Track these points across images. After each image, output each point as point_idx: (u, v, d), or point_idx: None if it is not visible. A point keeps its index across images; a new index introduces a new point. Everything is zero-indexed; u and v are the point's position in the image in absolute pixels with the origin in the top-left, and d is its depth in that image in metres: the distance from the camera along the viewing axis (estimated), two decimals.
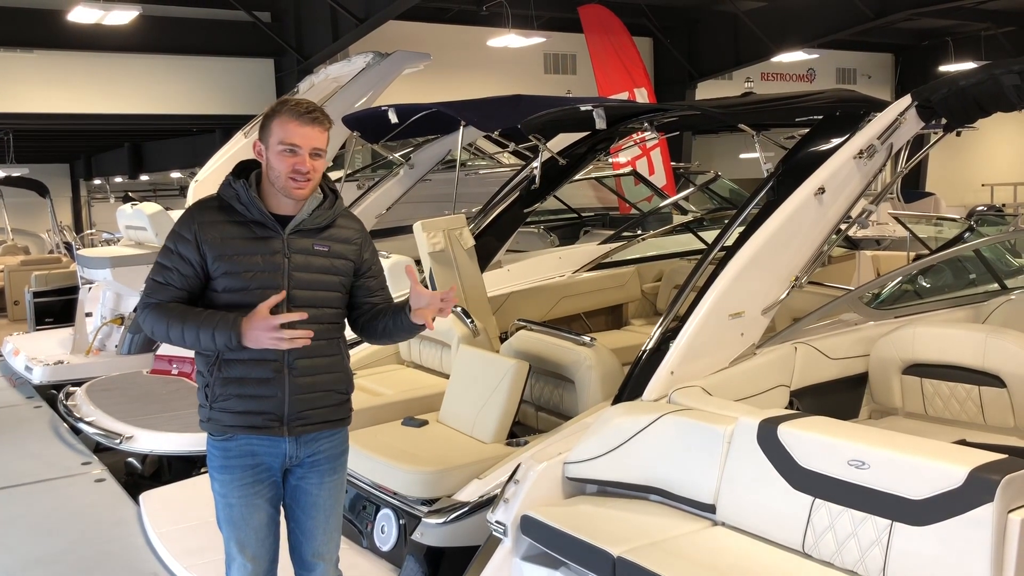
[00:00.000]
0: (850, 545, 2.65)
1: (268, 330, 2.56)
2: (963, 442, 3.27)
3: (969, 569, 2.38)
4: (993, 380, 3.90)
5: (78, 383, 6.68)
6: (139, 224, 8.08)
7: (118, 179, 26.56)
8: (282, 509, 2.84)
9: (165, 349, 6.70)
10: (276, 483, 2.77)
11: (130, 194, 18.96)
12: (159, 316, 2.68)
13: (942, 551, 2.44)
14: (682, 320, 3.91)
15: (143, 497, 4.77)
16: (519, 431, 4.58)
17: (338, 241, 2.81)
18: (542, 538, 3.14)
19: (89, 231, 19.88)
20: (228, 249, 2.68)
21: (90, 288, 8.17)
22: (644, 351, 3.93)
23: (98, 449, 5.91)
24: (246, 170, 2.79)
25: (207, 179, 8.14)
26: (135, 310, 7.28)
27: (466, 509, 3.76)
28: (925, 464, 2.56)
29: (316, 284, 2.75)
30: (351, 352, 5.77)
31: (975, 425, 3.98)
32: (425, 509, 3.86)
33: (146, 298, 2.73)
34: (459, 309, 5.36)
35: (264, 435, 2.70)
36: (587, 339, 4.58)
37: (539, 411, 4.87)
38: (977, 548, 2.38)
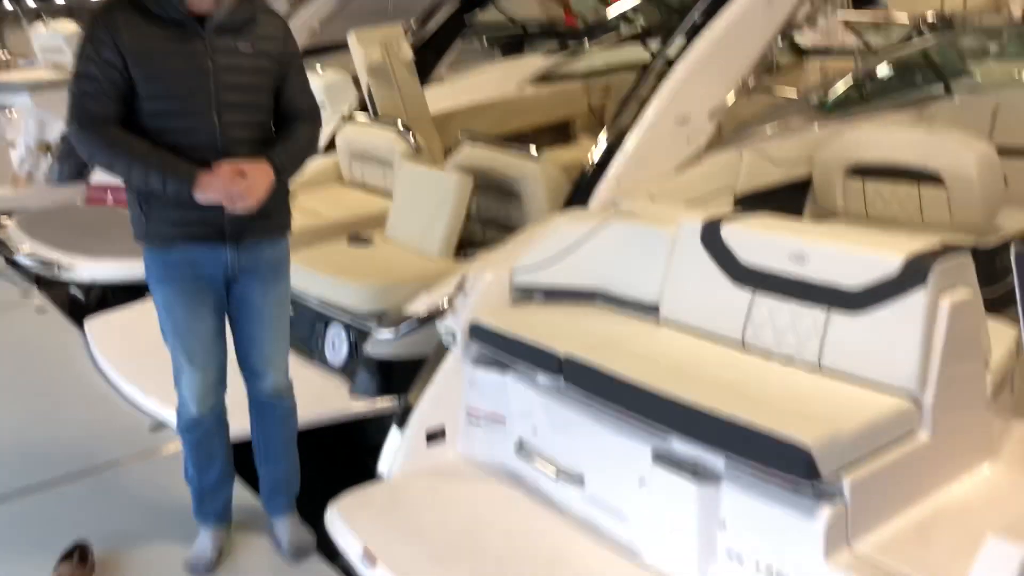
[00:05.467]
0: (788, 336, 2.73)
1: (221, 188, 2.52)
2: None
3: (900, 351, 2.47)
4: (933, 179, 3.96)
5: (8, 215, 6.47)
6: (57, 45, 7.63)
7: (31, 2, 24.86)
8: (227, 320, 2.82)
9: (98, 178, 6.48)
10: (219, 293, 2.73)
11: (44, 16, 17.74)
12: (103, 144, 2.54)
13: (876, 336, 2.53)
14: (628, 128, 3.86)
15: (87, 323, 4.73)
16: (467, 247, 4.58)
17: (262, 38, 2.67)
18: (491, 343, 3.19)
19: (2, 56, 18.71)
20: (147, 51, 2.51)
21: (9, 114, 7.77)
22: (590, 160, 3.90)
23: (38, 285, 5.80)
24: None
25: None
26: (62, 138, 6.98)
27: (416, 322, 3.80)
28: (863, 254, 2.60)
29: (246, 87, 2.62)
30: None
31: (914, 224, 4.07)
32: (375, 323, 3.89)
33: (78, 113, 2.55)
34: (400, 124, 5.23)
35: (204, 244, 2.64)
36: (533, 152, 4.52)
37: (486, 227, 4.85)
38: (909, 332, 2.46)
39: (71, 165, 7.01)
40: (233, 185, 2.52)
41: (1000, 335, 2.89)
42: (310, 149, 2.79)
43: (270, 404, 2.90)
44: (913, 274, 2.48)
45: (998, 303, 3.67)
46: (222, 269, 2.68)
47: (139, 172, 2.53)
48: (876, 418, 2.39)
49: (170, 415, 3.39)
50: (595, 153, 3.91)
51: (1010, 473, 2.68)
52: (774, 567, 2.40)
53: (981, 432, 2.71)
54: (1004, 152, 4.14)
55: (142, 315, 4.60)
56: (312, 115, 2.79)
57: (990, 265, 3.76)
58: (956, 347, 2.50)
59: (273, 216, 2.73)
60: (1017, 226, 4.01)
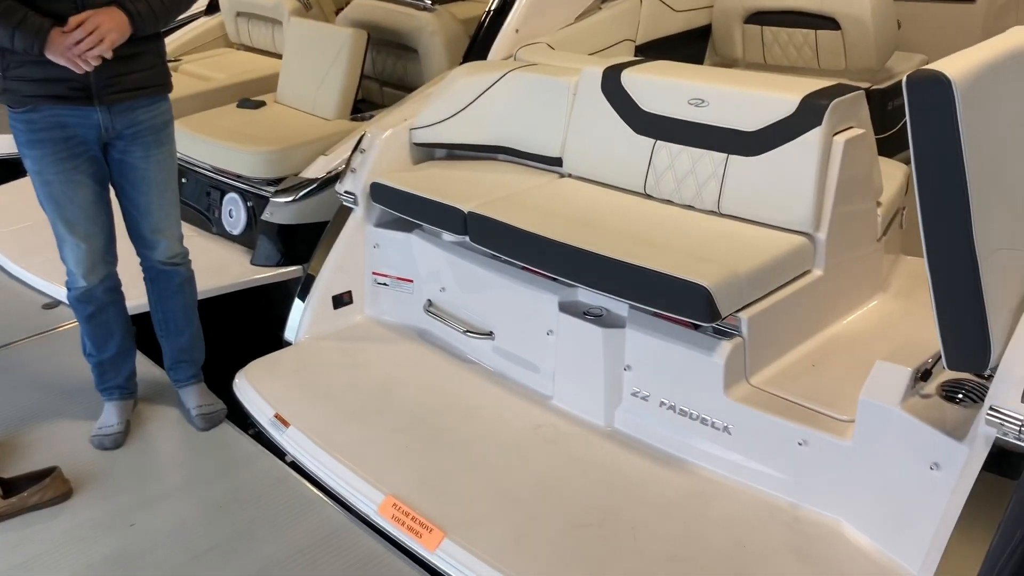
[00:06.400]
0: (688, 181, 2.75)
1: (67, 48, 2.33)
2: None
3: (796, 190, 2.52)
4: (829, 23, 3.97)
5: None
6: None
7: None
8: (113, 190, 2.67)
9: None
10: (96, 158, 2.57)
11: None
12: None
13: (772, 177, 2.56)
14: None
15: None
16: (364, 108, 4.44)
17: None
18: (393, 203, 3.13)
19: None
20: None
21: None
22: (488, 11, 3.76)
23: None
24: None
25: None
26: None
27: (315, 185, 3.70)
28: (761, 96, 2.60)
29: None
30: (172, 38, 5.33)
31: (810, 70, 4.10)
32: (272, 189, 3.78)
33: None
34: None
35: (72, 105, 2.46)
36: (428, 3, 4.35)
37: (383, 86, 4.70)
38: (804, 170, 2.50)
39: None
40: (80, 46, 2.33)
41: (891, 173, 2.98)
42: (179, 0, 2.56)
43: (165, 273, 2.80)
44: (809, 113, 2.50)
45: (890, 145, 3.78)
46: (95, 132, 2.51)
47: None
48: (773, 258, 2.45)
49: (62, 292, 3.26)
50: (493, 2, 3.78)
51: (897, 305, 2.81)
52: (677, 404, 2.50)
53: (872, 268, 2.82)
54: None
55: (23, 192, 4.35)
56: None
57: (883, 108, 3.84)
58: (849, 185, 2.56)
59: (145, 74, 2.54)
60: (909, 70, 4.08)
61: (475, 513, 2.33)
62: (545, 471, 2.48)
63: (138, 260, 2.82)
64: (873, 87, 3.81)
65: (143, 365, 3.12)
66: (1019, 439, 1.78)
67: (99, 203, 2.61)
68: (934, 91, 1.67)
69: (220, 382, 3.05)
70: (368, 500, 2.43)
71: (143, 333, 3.04)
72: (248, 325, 3.85)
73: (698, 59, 4.38)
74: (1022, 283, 1.91)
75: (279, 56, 4.77)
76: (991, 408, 1.81)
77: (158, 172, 2.63)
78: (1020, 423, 1.76)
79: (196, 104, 4.45)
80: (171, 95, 2.70)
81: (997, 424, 1.80)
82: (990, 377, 1.87)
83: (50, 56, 2.35)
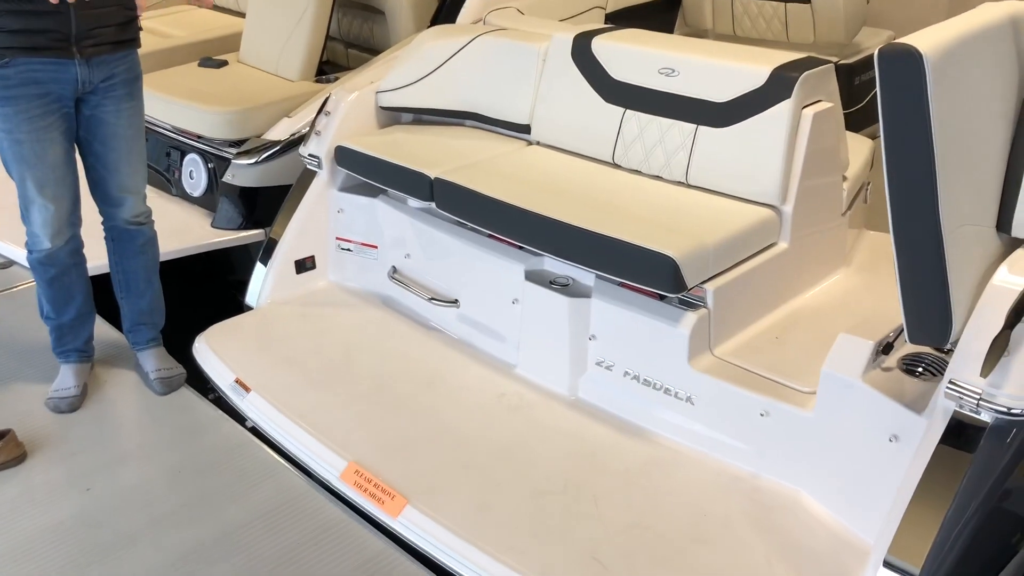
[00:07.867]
0: (657, 151, 2.74)
1: None
2: None
3: (764, 160, 2.52)
4: None
5: None
6: None
7: None
8: (78, 147, 2.60)
9: None
10: (68, 114, 2.50)
11: None
12: None
13: (741, 149, 2.56)
14: None
15: None
16: (329, 70, 4.36)
17: None
18: (358, 167, 3.08)
19: None
20: None
21: None
22: None
23: None
24: None
25: None
26: None
27: (278, 148, 3.64)
28: (731, 67, 2.59)
29: None
30: None
31: (779, 43, 4.10)
32: (234, 151, 3.70)
33: None
34: None
35: (50, 57, 2.39)
36: None
37: (349, 48, 4.61)
38: (773, 142, 2.50)
39: None
40: None
41: (857, 148, 2.99)
42: None
43: (128, 233, 2.74)
44: (779, 85, 2.50)
45: (856, 120, 3.80)
46: (71, 87, 2.45)
47: None
48: (739, 230, 2.46)
49: (17, 252, 3.18)
50: None
51: (860, 279, 2.84)
52: (641, 374, 2.51)
53: (836, 242, 2.84)
54: None
55: None
56: None
57: (850, 83, 3.86)
58: (816, 158, 2.57)
59: (121, 27, 2.48)
60: (877, 45, 4.10)
61: (438, 480, 2.33)
62: (508, 439, 2.48)
63: (97, 221, 2.75)
64: (841, 61, 3.83)
65: (101, 328, 3.06)
66: (977, 412, 1.81)
67: (68, 163, 2.55)
68: (905, 65, 1.67)
69: (179, 346, 3.00)
70: (330, 466, 2.41)
71: (101, 295, 2.98)
72: (208, 289, 3.79)
73: (668, 29, 4.36)
74: (984, 259, 1.93)
75: (242, 14, 4.66)
76: (950, 382, 1.83)
77: (128, 127, 2.57)
78: (978, 397, 1.79)
79: (156, 62, 4.34)
80: None
81: (956, 397, 1.82)
82: (950, 351, 1.89)
83: None
